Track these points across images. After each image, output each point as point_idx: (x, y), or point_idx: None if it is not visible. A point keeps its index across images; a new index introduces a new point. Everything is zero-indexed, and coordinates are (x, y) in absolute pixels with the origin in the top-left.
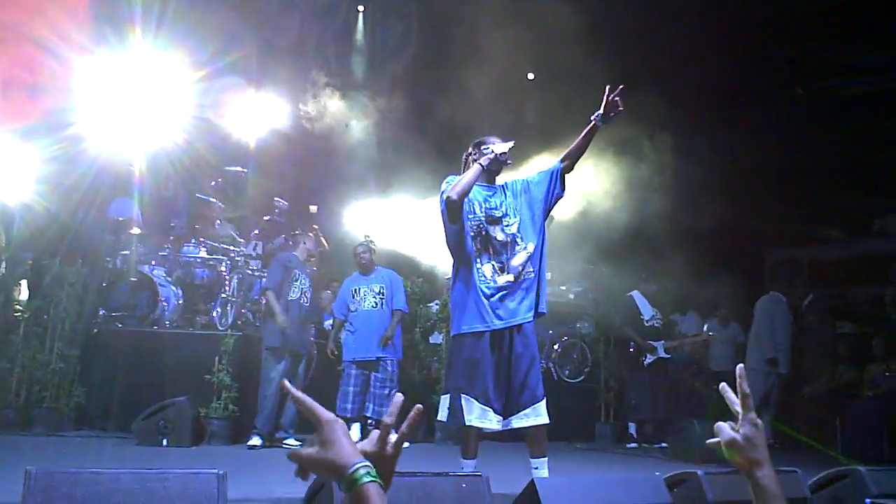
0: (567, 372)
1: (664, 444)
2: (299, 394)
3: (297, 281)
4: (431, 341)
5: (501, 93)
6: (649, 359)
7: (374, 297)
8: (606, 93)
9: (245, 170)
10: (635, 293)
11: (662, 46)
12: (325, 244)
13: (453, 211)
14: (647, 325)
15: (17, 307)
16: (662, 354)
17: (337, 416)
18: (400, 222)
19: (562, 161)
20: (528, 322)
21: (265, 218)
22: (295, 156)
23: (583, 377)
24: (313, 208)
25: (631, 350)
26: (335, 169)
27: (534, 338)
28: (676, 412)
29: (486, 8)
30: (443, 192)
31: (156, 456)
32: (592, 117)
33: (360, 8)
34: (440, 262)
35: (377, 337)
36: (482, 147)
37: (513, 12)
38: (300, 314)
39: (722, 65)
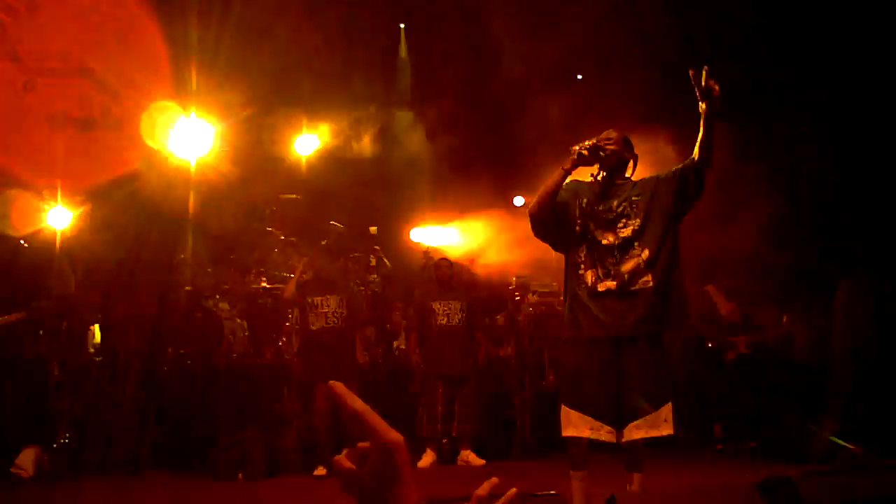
0: None
1: (752, 444)
2: (357, 402)
3: (315, 308)
4: (500, 355)
5: (552, 95)
6: (730, 355)
7: (458, 313)
8: (693, 80)
9: (298, 196)
10: (710, 287)
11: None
12: (388, 264)
13: (537, 224)
14: (725, 321)
15: (90, 350)
16: (743, 350)
17: (423, 437)
18: (457, 237)
19: (696, 158)
20: (644, 335)
21: (322, 243)
22: (349, 179)
23: None
24: (373, 229)
25: (709, 346)
26: (392, 190)
27: (654, 351)
28: (763, 409)
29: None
30: (530, 208)
31: (234, 490)
32: (700, 109)
33: (402, 25)
34: (503, 273)
35: (462, 353)
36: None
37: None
38: (329, 338)
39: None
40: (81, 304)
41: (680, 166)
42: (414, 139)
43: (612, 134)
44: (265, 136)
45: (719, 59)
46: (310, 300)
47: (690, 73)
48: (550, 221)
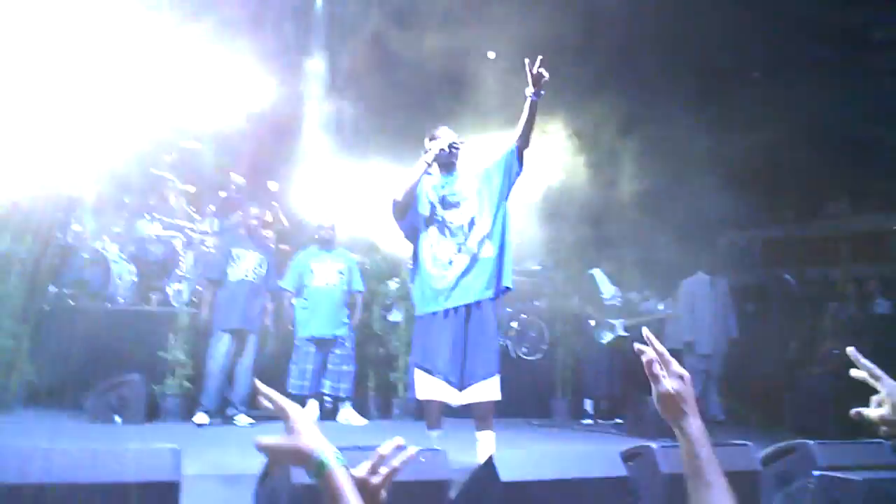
0: (525, 349)
1: (619, 420)
2: (266, 389)
3: (239, 259)
4: (390, 319)
5: (461, 70)
6: (607, 337)
7: (336, 274)
8: (528, 67)
9: (201, 145)
10: (596, 271)
11: (622, 19)
12: (285, 221)
13: (399, 209)
14: (606, 303)
15: None
16: (621, 332)
17: (291, 393)
18: (357, 200)
19: (516, 141)
20: (488, 299)
21: (221, 194)
22: (253, 132)
23: (540, 355)
24: (273, 185)
25: (591, 325)
26: (294, 146)
27: (492, 314)
28: (632, 389)
29: None
30: (392, 195)
31: (109, 433)
32: (526, 93)
33: None
34: (397, 239)
35: (336, 315)
36: (431, 140)
37: None
38: (247, 291)
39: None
40: None
41: (506, 150)
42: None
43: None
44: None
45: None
46: (234, 252)
47: (526, 60)
48: (409, 208)
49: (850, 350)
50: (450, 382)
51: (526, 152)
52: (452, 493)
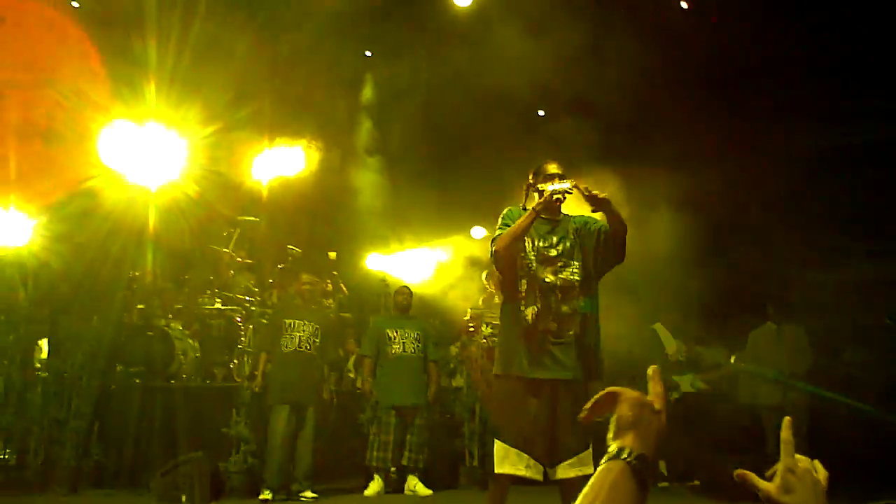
0: None
1: (696, 482)
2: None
3: (292, 329)
4: (453, 384)
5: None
6: (674, 395)
7: (413, 342)
8: (582, 195)
9: (258, 219)
10: (657, 326)
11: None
12: (345, 290)
13: (501, 262)
14: (670, 360)
15: (37, 365)
16: (689, 389)
17: (373, 465)
18: (414, 266)
19: (610, 229)
20: (576, 381)
21: (279, 266)
22: (309, 205)
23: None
24: (332, 255)
25: None
26: (350, 217)
27: (584, 399)
28: (705, 449)
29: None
30: (493, 241)
31: None
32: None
33: (368, 53)
34: (456, 304)
35: (416, 383)
36: (540, 177)
37: None
38: (301, 364)
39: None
40: (29, 318)
41: (599, 225)
42: (375, 165)
43: (572, 181)
44: (226, 155)
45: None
46: (287, 322)
47: (574, 185)
48: (513, 260)
49: (786, 419)
50: (535, 457)
51: (622, 241)
52: None
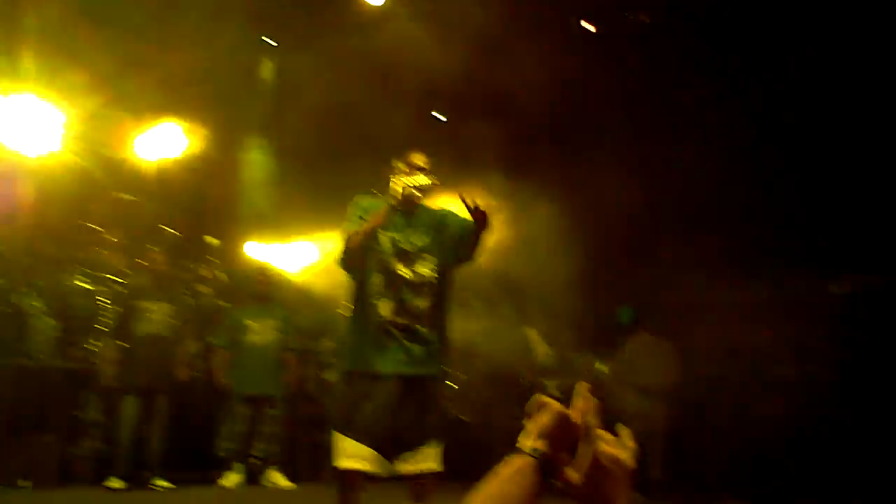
0: (464, 411)
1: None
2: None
3: (144, 313)
4: (325, 378)
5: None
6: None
7: (273, 331)
8: (464, 203)
9: (137, 199)
10: (528, 330)
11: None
12: (224, 277)
13: (352, 260)
14: (539, 364)
15: None
16: (554, 393)
17: (220, 456)
18: (292, 256)
19: (472, 235)
20: (429, 376)
21: (155, 249)
22: (193, 188)
23: (479, 417)
24: (213, 240)
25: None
26: (235, 204)
27: (433, 393)
28: None
29: None
30: (344, 238)
31: (18, 498)
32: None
33: (268, 40)
34: (333, 296)
35: (270, 373)
36: (402, 167)
37: None
38: (152, 347)
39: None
40: None
41: (466, 225)
42: (265, 152)
43: (432, 177)
44: (109, 131)
45: None
46: (141, 304)
47: (460, 195)
48: (364, 258)
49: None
50: (380, 451)
51: (478, 245)
52: None
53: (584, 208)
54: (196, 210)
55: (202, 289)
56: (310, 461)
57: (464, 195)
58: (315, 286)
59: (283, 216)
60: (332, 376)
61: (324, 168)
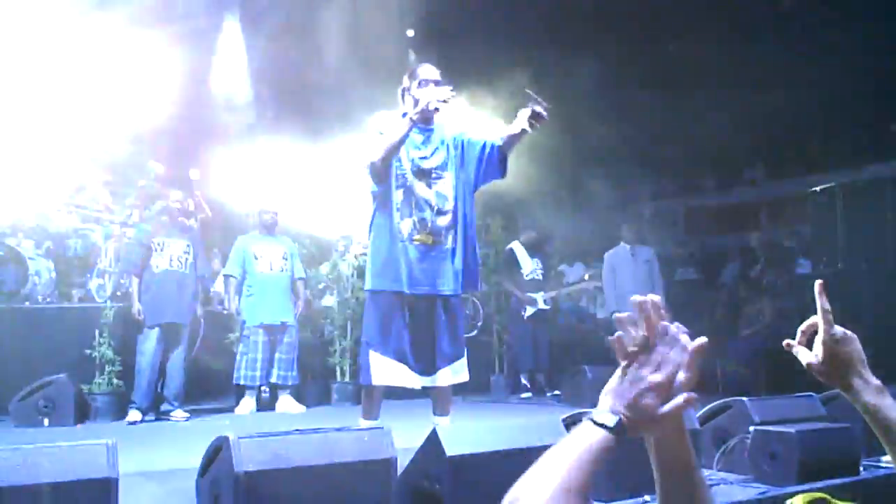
0: None
1: (557, 392)
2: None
3: (163, 248)
4: (323, 304)
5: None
6: (528, 311)
7: (280, 260)
8: (530, 102)
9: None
10: (514, 245)
11: None
12: (208, 210)
13: (379, 175)
14: (526, 277)
15: None
16: (542, 306)
17: (242, 384)
18: (285, 185)
19: (501, 146)
20: (454, 295)
21: (140, 183)
22: (173, 120)
23: (475, 332)
24: (195, 173)
25: (514, 300)
26: (217, 134)
27: (460, 310)
28: (565, 361)
29: None
30: (368, 151)
31: (38, 436)
32: (521, 128)
33: None
34: (327, 224)
35: (285, 301)
36: (416, 82)
37: None
38: (175, 283)
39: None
40: None
41: (488, 141)
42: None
43: (447, 90)
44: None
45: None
46: (157, 241)
47: (528, 91)
48: (389, 171)
49: (818, 283)
50: (412, 367)
51: (505, 159)
52: (398, 472)
53: None
54: (176, 143)
55: (189, 223)
56: (318, 385)
57: (540, 100)
58: (305, 216)
59: (267, 146)
60: (329, 301)
61: (304, 97)
